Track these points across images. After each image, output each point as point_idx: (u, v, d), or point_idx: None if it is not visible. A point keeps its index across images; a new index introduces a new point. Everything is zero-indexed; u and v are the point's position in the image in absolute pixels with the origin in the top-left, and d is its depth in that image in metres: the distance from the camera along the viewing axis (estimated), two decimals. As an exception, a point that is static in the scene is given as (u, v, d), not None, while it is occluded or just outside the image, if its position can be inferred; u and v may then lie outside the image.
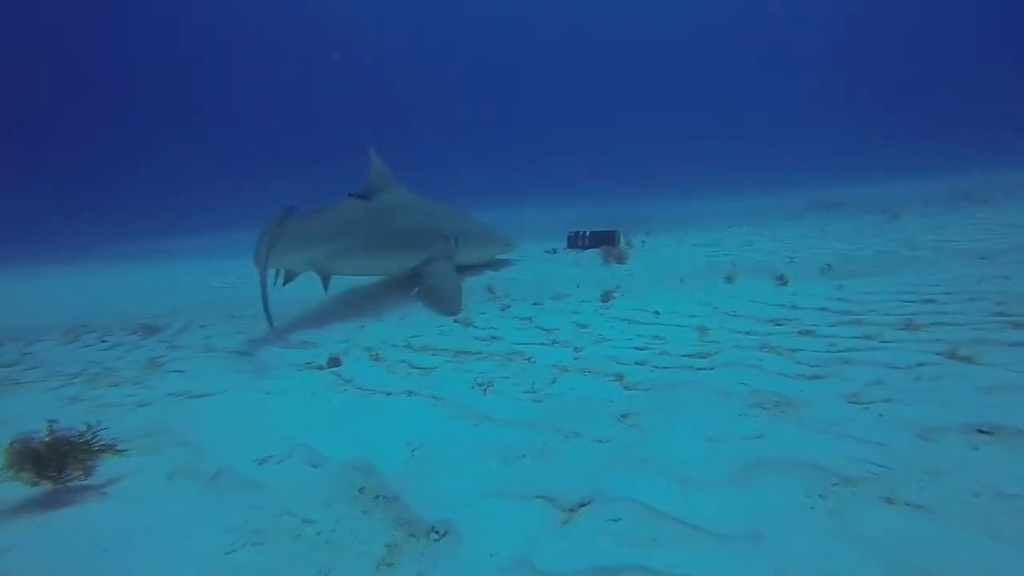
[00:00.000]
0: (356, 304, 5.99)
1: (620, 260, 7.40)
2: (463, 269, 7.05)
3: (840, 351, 3.10)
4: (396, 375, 3.60)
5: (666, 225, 13.06)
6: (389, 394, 3.20)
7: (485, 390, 3.11)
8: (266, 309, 4.80)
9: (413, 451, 2.36)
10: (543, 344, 3.99)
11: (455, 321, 4.91)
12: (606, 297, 5.14)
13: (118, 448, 2.34)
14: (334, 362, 3.94)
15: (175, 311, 6.66)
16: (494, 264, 7.75)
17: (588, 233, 9.46)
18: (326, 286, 5.78)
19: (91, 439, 2.28)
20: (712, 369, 3.05)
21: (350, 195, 6.09)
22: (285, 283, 5.61)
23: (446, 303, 5.41)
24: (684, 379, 2.89)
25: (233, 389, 3.54)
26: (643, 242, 9.68)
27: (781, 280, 5.14)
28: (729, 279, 5.54)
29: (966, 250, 5.76)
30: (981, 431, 1.92)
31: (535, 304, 5.30)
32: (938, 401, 2.23)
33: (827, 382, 2.65)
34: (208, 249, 18.16)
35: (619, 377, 3.11)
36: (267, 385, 3.58)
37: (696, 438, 2.18)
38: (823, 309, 4.12)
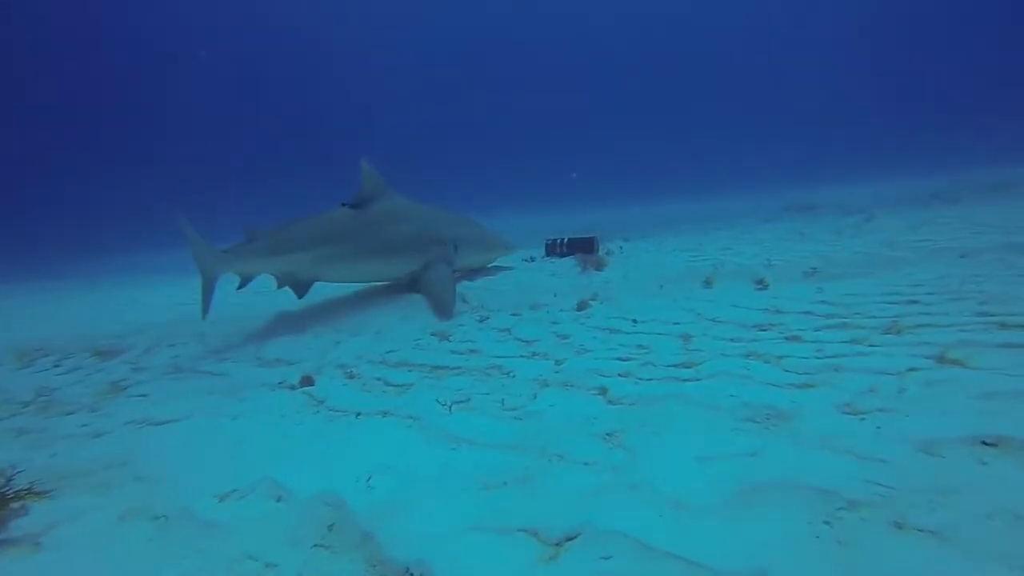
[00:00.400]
0: (332, 318, 5.81)
1: (599, 267, 7.29)
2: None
3: (828, 357, 3.02)
4: (371, 394, 3.43)
5: (642, 230, 13.04)
6: (363, 415, 3.04)
7: (460, 409, 2.96)
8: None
9: (386, 480, 2.20)
10: (523, 357, 3.85)
11: (432, 335, 4.75)
12: (585, 306, 5.03)
13: (36, 491, 2.13)
14: (307, 381, 3.76)
15: (141, 330, 6.37)
16: (470, 275, 7.60)
17: (566, 240, 9.22)
18: (300, 294, 5.94)
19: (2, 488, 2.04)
20: (699, 380, 2.94)
21: (343, 204, 6.25)
22: (239, 288, 5.81)
23: (441, 308, 5.51)
24: (670, 392, 2.78)
25: (199, 414, 3.33)
26: (621, 248, 9.59)
27: (762, 284, 5.08)
28: (710, 284, 5.47)
29: (945, 249, 5.77)
30: (986, 443, 1.83)
31: (513, 315, 5.16)
32: (936, 410, 2.14)
33: (818, 391, 2.56)
34: (180, 264, 17.66)
35: (602, 391, 2.98)
36: (236, 408, 3.38)
37: (687, 458, 2.06)
38: (807, 313, 4.06)
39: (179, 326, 6.33)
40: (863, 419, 2.18)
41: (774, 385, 2.70)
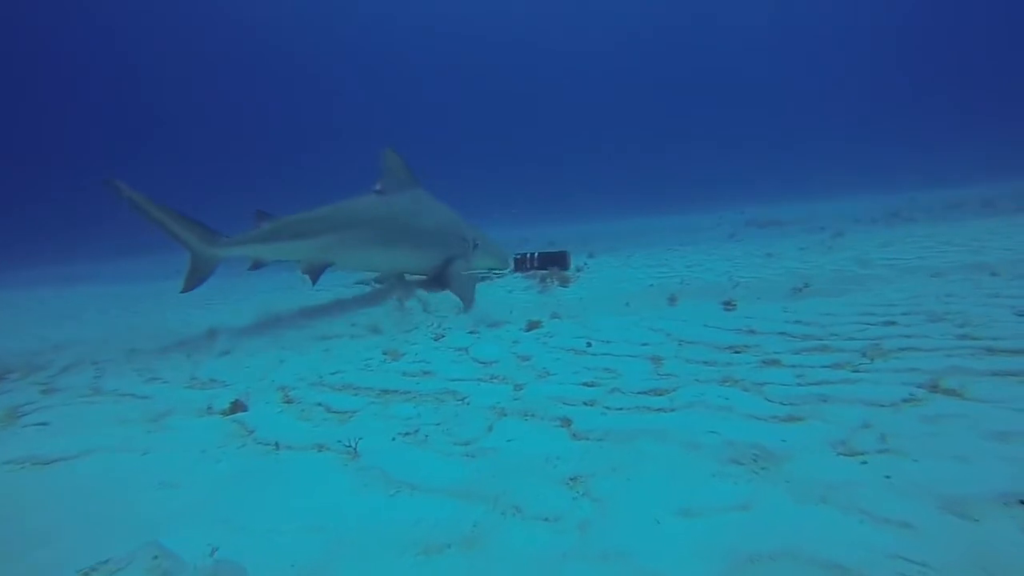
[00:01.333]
0: (280, 334, 5.39)
1: (564, 283, 6.98)
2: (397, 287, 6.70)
3: (812, 384, 2.77)
4: (308, 422, 3.04)
5: (607, 243, 12.87)
6: (294, 449, 2.65)
7: (406, 442, 2.60)
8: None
9: (307, 543, 1.82)
10: (480, 380, 3.52)
11: (384, 353, 4.38)
12: (537, 325, 4.75)
13: None
14: (238, 407, 3.33)
15: (64, 345, 5.77)
16: (428, 286, 7.23)
17: (536, 255, 8.80)
18: (313, 280, 6.07)
19: None
20: (673, 411, 2.65)
21: (374, 191, 6.42)
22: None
23: (466, 300, 5.74)
24: (642, 426, 2.47)
25: (101, 449, 2.86)
26: (586, 264, 9.26)
27: (732, 303, 4.84)
28: (677, 302, 5.23)
29: (916, 268, 5.67)
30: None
31: (471, 332, 4.83)
32: (948, 454, 1.88)
33: (807, 425, 2.29)
34: (124, 274, 16.71)
35: (566, 422, 2.67)
36: (148, 441, 2.93)
37: (666, 512, 1.75)
38: (782, 334, 3.84)
39: (110, 342, 5.75)
40: (864, 462, 1.91)
41: (757, 418, 2.42)
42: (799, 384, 2.80)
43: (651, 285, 6.45)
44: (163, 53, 59.20)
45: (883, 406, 2.36)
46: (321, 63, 68.91)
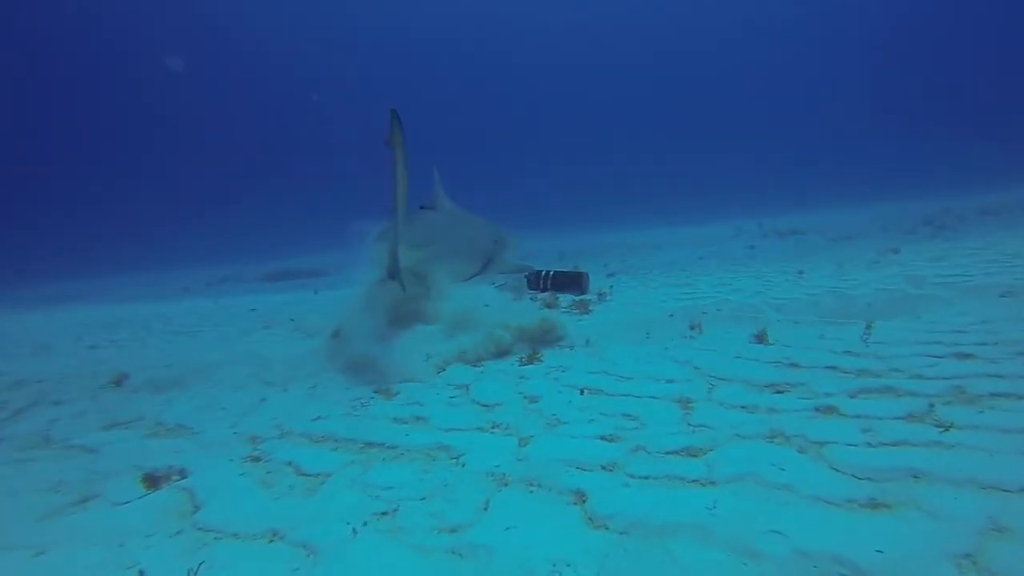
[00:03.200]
0: (268, 366, 4.89)
1: (584, 311, 6.19)
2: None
3: (889, 445, 2.21)
4: (269, 492, 2.53)
5: (623, 257, 12.27)
6: (240, 538, 2.13)
7: (380, 525, 2.07)
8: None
9: None
10: (479, 430, 3.01)
11: (376, 392, 3.87)
12: (534, 359, 4.22)
13: None
14: (179, 475, 2.81)
15: (27, 382, 5.22)
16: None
17: (552, 274, 7.81)
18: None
19: None
20: (714, 484, 2.10)
21: (421, 207, 6.65)
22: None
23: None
24: (676, 512, 1.92)
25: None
26: (610, 287, 7.98)
27: (762, 336, 4.14)
28: (704, 328, 4.65)
29: (981, 286, 4.98)
30: None
31: (474, 365, 4.31)
32: None
33: (904, 520, 1.72)
34: (120, 292, 16.35)
35: (580, 497, 2.14)
36: (57, 529, 2.32)
37: None
38: (831, 368, 3.28)
39: (80, 378, 5.25)
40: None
41: (829, 503, 1.86)
42: (870, 445, 2.24)
43: (674, 309, 5.79)
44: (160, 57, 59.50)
45: (1008, 491, 1.78)
46: (321, 65, 69.27)
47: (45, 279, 22.76)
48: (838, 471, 2.07)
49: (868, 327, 3.83)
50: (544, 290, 7.56)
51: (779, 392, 3.07)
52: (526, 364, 4.15)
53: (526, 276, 7.93)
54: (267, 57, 65.40)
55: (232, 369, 4.96)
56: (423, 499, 2.28)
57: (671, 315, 5.43)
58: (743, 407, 2.89)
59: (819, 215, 17.99)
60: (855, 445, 2.25)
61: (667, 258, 11.49)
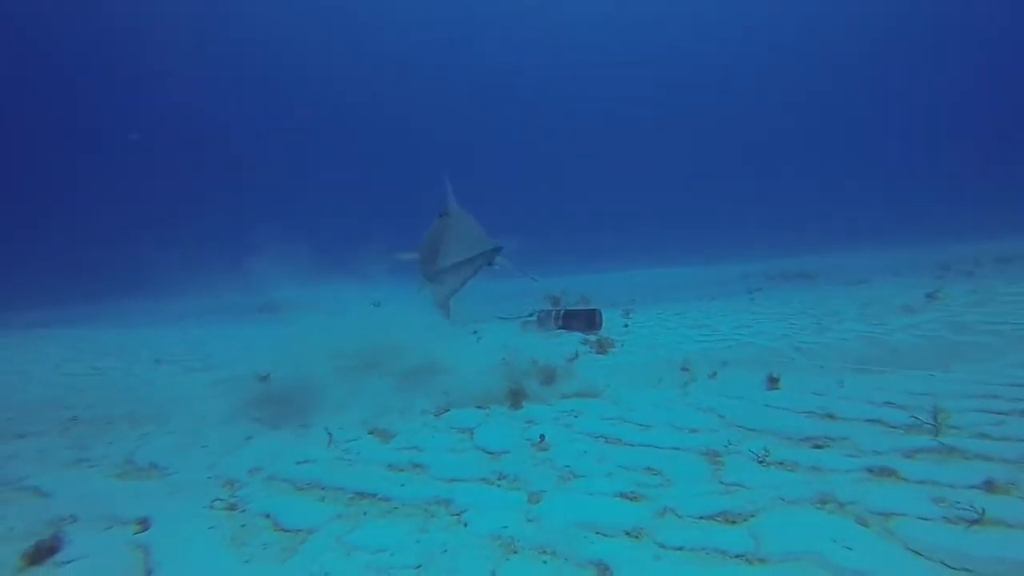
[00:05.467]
0: (257, 402, 4.46)
1: (602, 350, 5.79)
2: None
3: (971, 523, 1.87)
4: (239, 551, 2.19)
5: (631, 298, 11.96)
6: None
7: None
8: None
9: None
10: (483, 482, 2.68)
11: (370, 433, 3.55)
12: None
13: None
14: (141, 525, 2.47)
15: (-5, 412, 4.84)
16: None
17: (563, 312, 7.43)
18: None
19: None
20: (763, 564, 1.77)
21: (439, 215, 7.44)
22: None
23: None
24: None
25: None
26: (626, 326, 7.68)
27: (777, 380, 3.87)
28: (724, 374, 4.32)
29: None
30: None
31: (480, 407, 3.97)
32: None
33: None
34: (116, 316, 15.98)
35: (603, 572, 1.80)
36: None
37: None
38: (875, 422, 2.95)
39: (51, 408, 4.87)
40: None
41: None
42: (947, 520, 1.90)
43: (694, 350, 5.44)
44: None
45: None
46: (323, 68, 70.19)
47: (35, 304, 22.43)
48: (920, 556, 1.73)
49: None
50: (554, 328, 7.19)
51: (818, 447, 2.75)
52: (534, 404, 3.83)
53: (537, 313, 7.63)
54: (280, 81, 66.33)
55: (218, 402, 4.61)
56: (418, 567, 1.94)
57: (690, 358, 5.08)
58: (780, 463, 2.57)
59: (822, 258, 17.79)
60: (929, 520, 1.91)
61: (677, 297, 11.21)
